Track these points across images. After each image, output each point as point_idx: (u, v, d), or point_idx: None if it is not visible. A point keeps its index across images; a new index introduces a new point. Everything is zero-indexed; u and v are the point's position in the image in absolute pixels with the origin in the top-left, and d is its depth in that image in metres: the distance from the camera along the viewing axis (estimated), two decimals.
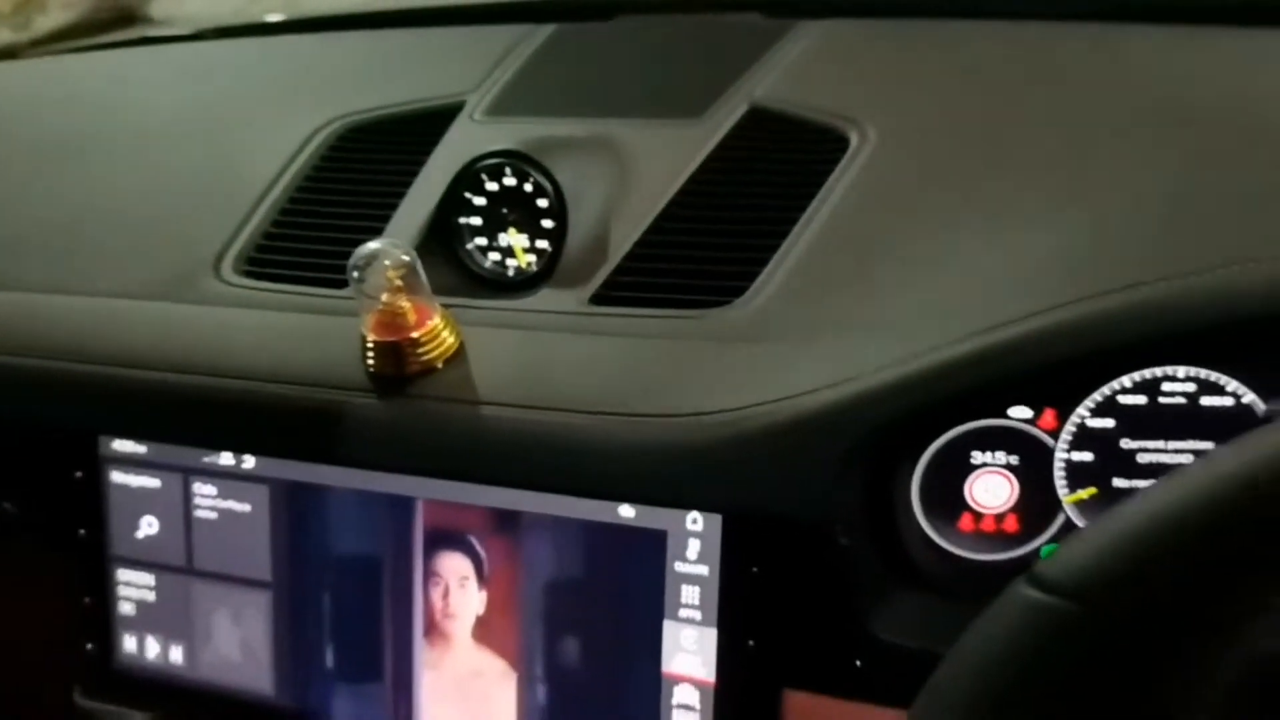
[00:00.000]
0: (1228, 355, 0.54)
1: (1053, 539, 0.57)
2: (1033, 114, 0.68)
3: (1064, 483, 0.56)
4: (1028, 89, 0.71)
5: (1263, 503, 0.29)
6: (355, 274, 0.58)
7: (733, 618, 0.56)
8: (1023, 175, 0.64)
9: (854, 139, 0.69)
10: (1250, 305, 0.52)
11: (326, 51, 0.93)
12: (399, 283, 0.58)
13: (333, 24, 0.97)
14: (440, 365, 0.60)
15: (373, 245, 0.59)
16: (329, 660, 0.63)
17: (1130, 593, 0.29)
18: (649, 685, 0.58)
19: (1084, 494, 0.56)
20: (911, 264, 0.60)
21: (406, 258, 0.59)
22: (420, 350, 0.59)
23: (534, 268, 0.67)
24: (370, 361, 0.60)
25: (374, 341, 0.60)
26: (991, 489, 0.57)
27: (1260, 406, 0.54)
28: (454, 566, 0.60)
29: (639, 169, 0.70)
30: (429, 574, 0.61)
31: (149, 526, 0.68)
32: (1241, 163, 0.61)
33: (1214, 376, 0.54)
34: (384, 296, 0.58)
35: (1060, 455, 0.56)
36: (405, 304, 0.59)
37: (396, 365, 0.59)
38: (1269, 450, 0.30)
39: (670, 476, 0.55)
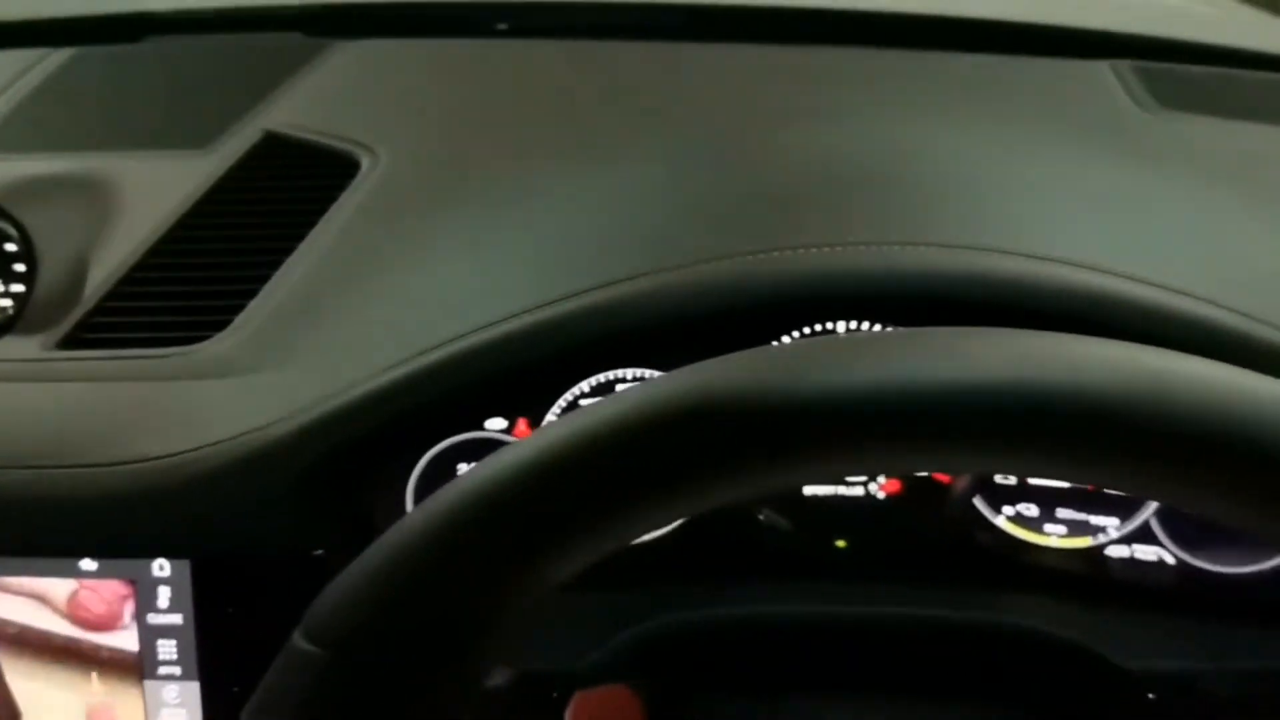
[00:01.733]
0: (668, 355, 0.57)
1: None
2: (534, 132, 0.71)
3: None
4: (533, 105, 0.74)
5: (468, 524, 0.30)
6: None
7: (213, 665, 0.54)
8: (509, 191, 0.65)
9: (365, 163, 0.69)
10: (677, 307, 0.55)
11: None
12: None
13: None
14: None
15: None
16: None
17: (362, 632, 0.29)
18: None
19: None
20: (393, 286, 0.61)
21: None
22: None
23: (10, 313, 0.63)
24: None
25: None
26: None
27: None
28: None
29: (132, 206, 0.67)
30: None
31: None
32: (723, 172, 0.65)
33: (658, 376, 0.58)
34: None
35: None
36: None
37: None
38: (479, 477, 0.30)
39: (122, 527, 0.53)
